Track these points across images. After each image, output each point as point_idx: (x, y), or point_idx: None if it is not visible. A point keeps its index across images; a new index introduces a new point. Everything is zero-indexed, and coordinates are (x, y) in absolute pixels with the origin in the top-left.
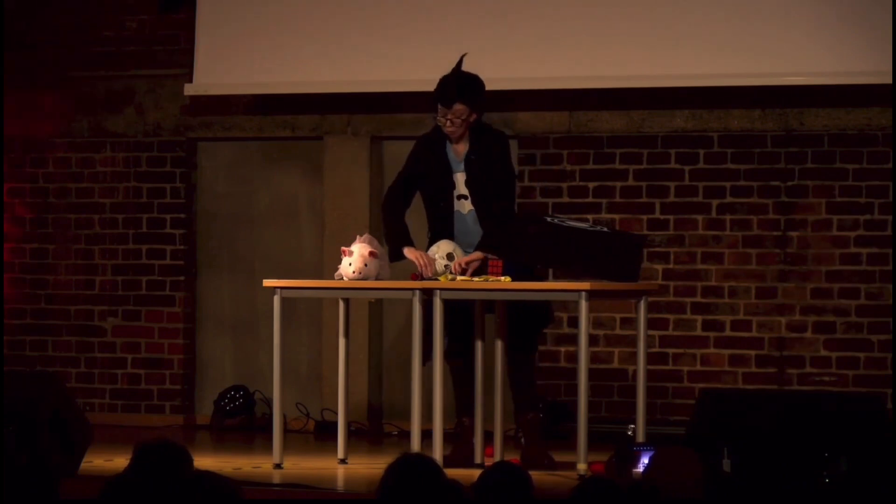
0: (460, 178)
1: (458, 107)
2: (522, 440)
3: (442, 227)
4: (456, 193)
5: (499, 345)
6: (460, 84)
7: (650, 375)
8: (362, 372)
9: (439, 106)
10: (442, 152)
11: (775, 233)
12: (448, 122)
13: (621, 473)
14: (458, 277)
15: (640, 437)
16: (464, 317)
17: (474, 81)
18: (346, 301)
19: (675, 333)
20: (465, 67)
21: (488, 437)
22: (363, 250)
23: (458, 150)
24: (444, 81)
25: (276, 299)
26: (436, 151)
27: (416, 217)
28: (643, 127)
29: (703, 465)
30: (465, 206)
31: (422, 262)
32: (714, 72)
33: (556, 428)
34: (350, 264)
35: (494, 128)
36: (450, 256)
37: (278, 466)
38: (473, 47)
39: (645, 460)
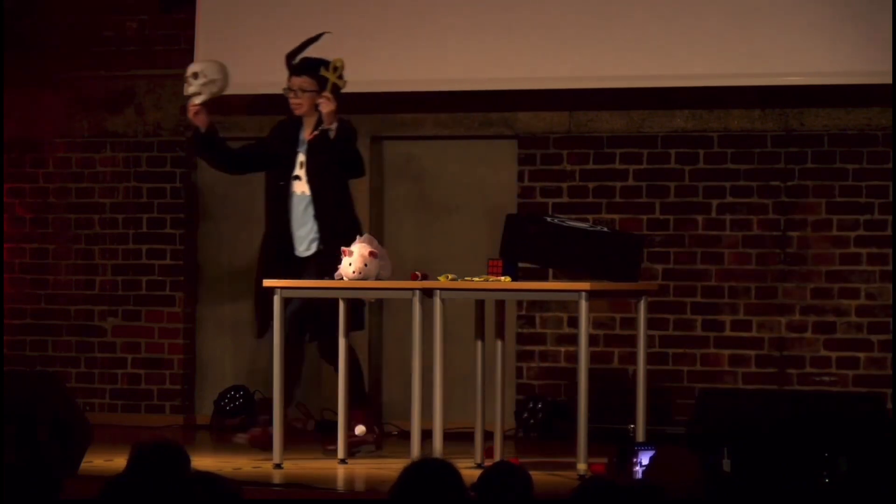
0: (299, 158)
1: (305, 80)
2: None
3: (276, 206)
4: (293, 173)
5: (498, 344)
6: (312, 59)
7: (650, 375)
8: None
9: (288, 78)
10: (295, 132)
11: (775, 233)
12: (293, 93)
13: (621, 473)
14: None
15: (640, 437)
16: (300, 309)
17: (326, 63)
18: (347, 301)
19: (675, 333)
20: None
21: (488, 436)
22: (363, 250)
23: (307, 133)
24: (294, 53)
25: (276, 299)
26: (290, 130)
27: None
28: (643, 127)
29: (702, 466)
30: (299, 187)
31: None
32: (714, 72)
33: (556, 428)
34: (350, 264)
35: (344, 118)
36: (195, 75)
37: (278, 466)
38: (473, 47)
39: (645, 460)
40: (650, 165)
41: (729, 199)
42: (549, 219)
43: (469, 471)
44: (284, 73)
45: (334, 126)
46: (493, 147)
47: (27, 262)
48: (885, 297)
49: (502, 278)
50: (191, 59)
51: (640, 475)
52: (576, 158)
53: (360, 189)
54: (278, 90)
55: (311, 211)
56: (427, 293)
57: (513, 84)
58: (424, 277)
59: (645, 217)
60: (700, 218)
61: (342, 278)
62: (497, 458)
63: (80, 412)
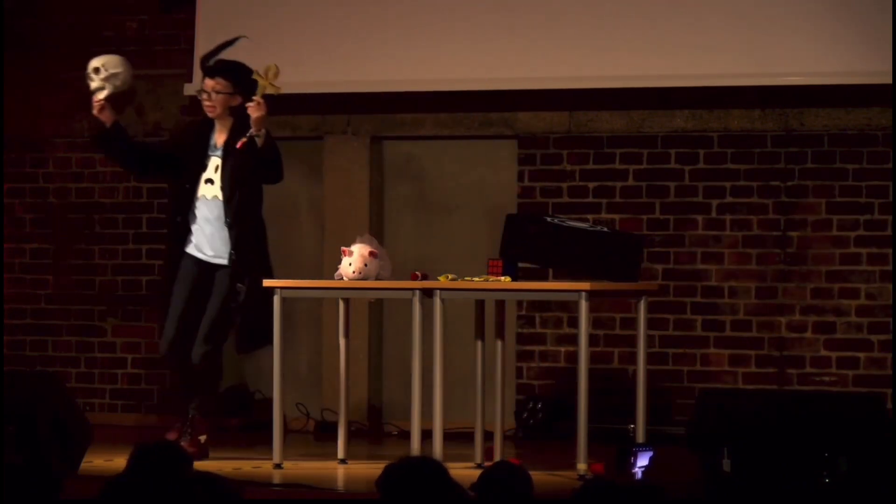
0: (212, 162)
1: (220, 82)
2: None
3: (180, 206)
4: (204, 177)
5: (498, 344)
6: (228, 61)
7: (650, 375)
8: (362, 372)
9: (204, 79)
10: (206, 134)
11: (775, 233)
12: (207, 95)
13: (621, 473)
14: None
15: (640, 437)
16: (192, 307)
17: (242, 66)
18: (346, 301)
19: (675, 333)
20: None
21: (488, 436)
22: (363, 250)
23: (217, 139)
24: (210, 55)
25: (276, 299)
26: (200, 132)
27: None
28: (643, 127)
29: (702, 466)
30: (210, 191)
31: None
32: (714, 72)
33: (556, 428)
34: (350, 264)
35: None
36: (96, 70)
37: (278, 466)
38: (473, 47)
39: (644, 460)
40: (650, 165)
41: (729, 199)
42: (549, 219)
43: (469, 471)
44: (283, 72)
45: (263, 132)
46: (493, 147)
47: (27, 262)
48: (885, 297)
49: (502, 278)
50: (191, 59)
51: (639, 476)
52: (576, 158)
53: (360, 189)
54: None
55: (222, 216)
56: (427, 293)
57: (513, 84)
58: (424, 277)
59: (645, 217)
60: (700, 218)
61: (342, 278)
62: (497, 458)
63: (80, 412)
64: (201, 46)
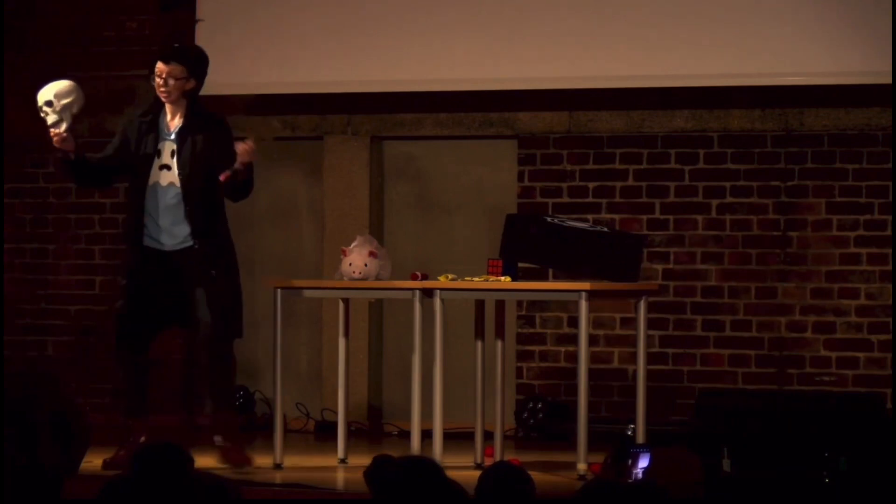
0: (167, 147)
1: (176, 67)
2: (218, 441)
3: (136, 197)
4: (158, 163)
5: (498, 344)
6: (183, 46)
7: (650, 375)
8: (362, 372)
9: (157, 63)
10: (154, 122)
11: (775, 233)
12: (163, 81)
13: (616, 474)
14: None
15: (640, 437)
16: (152, 305)
17: (199, 51)
18: (346, 301)
19: (675, 333)
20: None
21: (488, 436)
22: (363, 250)
23: (169, 123)
24: (168, 41)
25: (277, 299)
26: (147, 121)
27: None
28: (643, 127)
29: (702, 466)
30: (166, 178)
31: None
32: (714, 72)
33: (556, 428)
34: (350, 264)
35: (217, 114)
36: (48, 104)
37: (278, 466)
38: (473, 47)
39: (640, 461)
40: (650, 165)
41: (729, 199)
42: (549, 219)
43: (469, 471)
44: (283, 73)
45: (246, 169)
46: (493, 147)
47: (27, 262)
48: (885, 297)
49: (502, 278)
50: None
51: (636, 476)
52: (576, 158)
53: (360, 189)
54: (278, 90)
55: (181, 203)
56: (427, 293)
57: (513, 84)
58: (424, 277)
59: (645, 217)
60: (700, 218)
61: (342, 278)
62: (497, 458)
63: (80, 412)
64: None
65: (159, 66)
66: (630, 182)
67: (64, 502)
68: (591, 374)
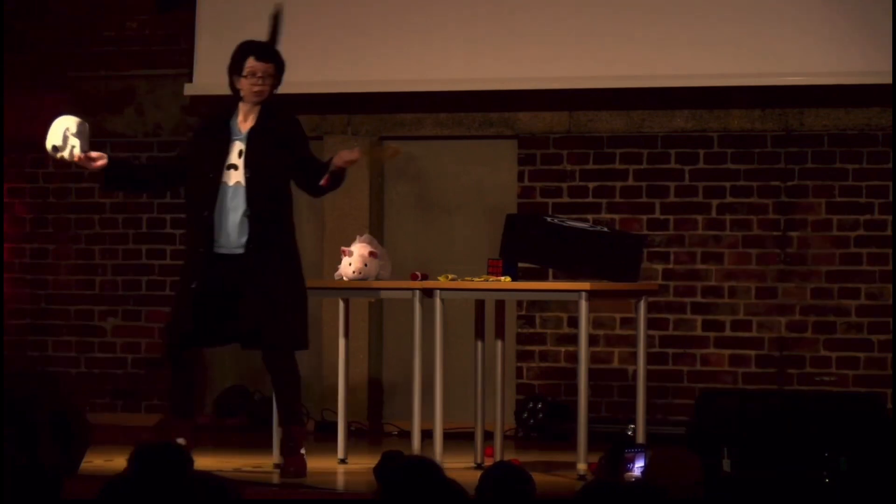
0: (235, 147)
1: (271, 66)
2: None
3: (203, 198)
4: (227, 163)
5: (498, 344)
6: (271, 44)
7: (650, 375)
8: (362, 372)
9: (252, 62)
10: (224, 124)
11: (775, 233)
12: (259, 79)
13: (611, 474)
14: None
15: (640, 437)
16: (209, 308)
17: (279, 53)
18: (346, 301)
19: (675, 333)
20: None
21: (488, 436)
22: (363, 250)
23: (241, 124)
24: (257, 41)
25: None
26: (217, 125)
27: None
28: (643, 127)
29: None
30: (232, 178)
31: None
32: (714, 72)
33: (556, 428)
34: (350, 264)
35: (290, 114)
36: (61, 145)
37: (278, 466)
38: (473, 47)
39: (636, 461)
40: (650, 165)
41: (729, 199)
42: (549, 219)
43: (469, 471)
44: (285, 73)
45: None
46: (493, 147)
47: (27, 262)
48: (885, 297)
49: (502, 278)
50: (191, 59)
51: (633, 476)
52: (576, 158)
53: (360, 189)
54: (279, 90)
55: (245, 205)
56: (427, 293)
57: (513, 84)
58: (424, 277)
59: (645, 217)
60: (700, 218)
61: (342, 278)
62: (497, 458)
63: (80, 412)
64: (201, 46)
65: (255, 64)
66: (630, 182)
67: (64, 502)
68: (591, 374)
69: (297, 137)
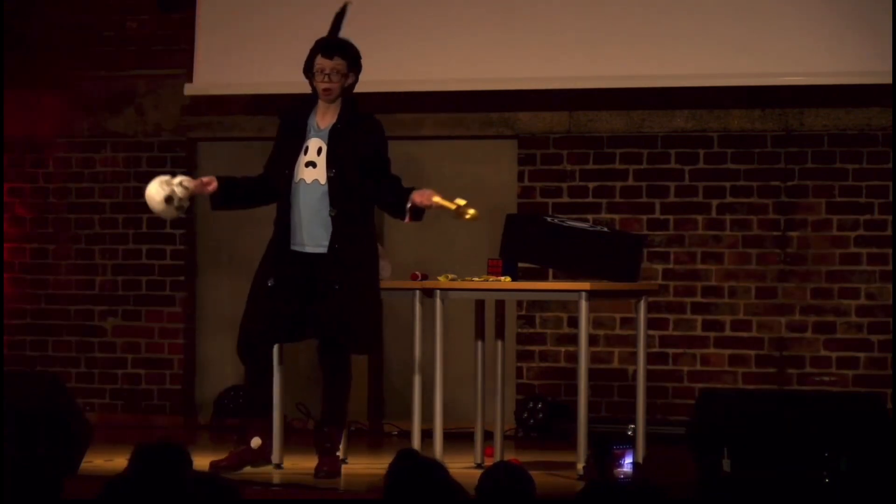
0: (314, 144)
1: (340, 62)
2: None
3: (281, 195)
4: (304, 160)
5: (498, 344)
6: (341, 39)
7: (650, 375)
8: (362, 372)
9: (319, 59)
10: (303, 119)
11: (775, 233)
12: (326, 77)
13: (599, 473)
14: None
15: (640, 437)
16: (285, 307)
17: (353, 44)
18: None
19: (675, 333)
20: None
21: (488, 436)
22: None
23: (320, 121)
24: (326, 38)
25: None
26: (297, 118)
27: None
28: (643, 127)
29: (696, 466)
30: (311, 175)
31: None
32: (714, 72)
33: (556, 428)
34: None
35: (371, 115)
36: (168, 199)
37: (278, 466)
38: (473, 47)
39: (624, 458)
40: (650, 165)
41: (729, 199)
42: (549, 219)
43: (469, 471)
44: (283, 73)
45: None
46: (493, 147)
47: (27, 262)
48: (885, 297)
49: (502, 278)
50: (191, 59)
51: (623, 473)
52: (576, 158)
53: None
54: (278, 90)
55: (325, 203)
56: (427, 293)
57: (513, 84)
58: (424, 277)
59: (645, 217)
60: (700, 218)
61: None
62: (497, 458)
63: (80, 412)
64: (201, 46)
65: (322, 61)
66: (630, 182)
67: (64, 502)
68: (591, 374)
69: (379, 145)
